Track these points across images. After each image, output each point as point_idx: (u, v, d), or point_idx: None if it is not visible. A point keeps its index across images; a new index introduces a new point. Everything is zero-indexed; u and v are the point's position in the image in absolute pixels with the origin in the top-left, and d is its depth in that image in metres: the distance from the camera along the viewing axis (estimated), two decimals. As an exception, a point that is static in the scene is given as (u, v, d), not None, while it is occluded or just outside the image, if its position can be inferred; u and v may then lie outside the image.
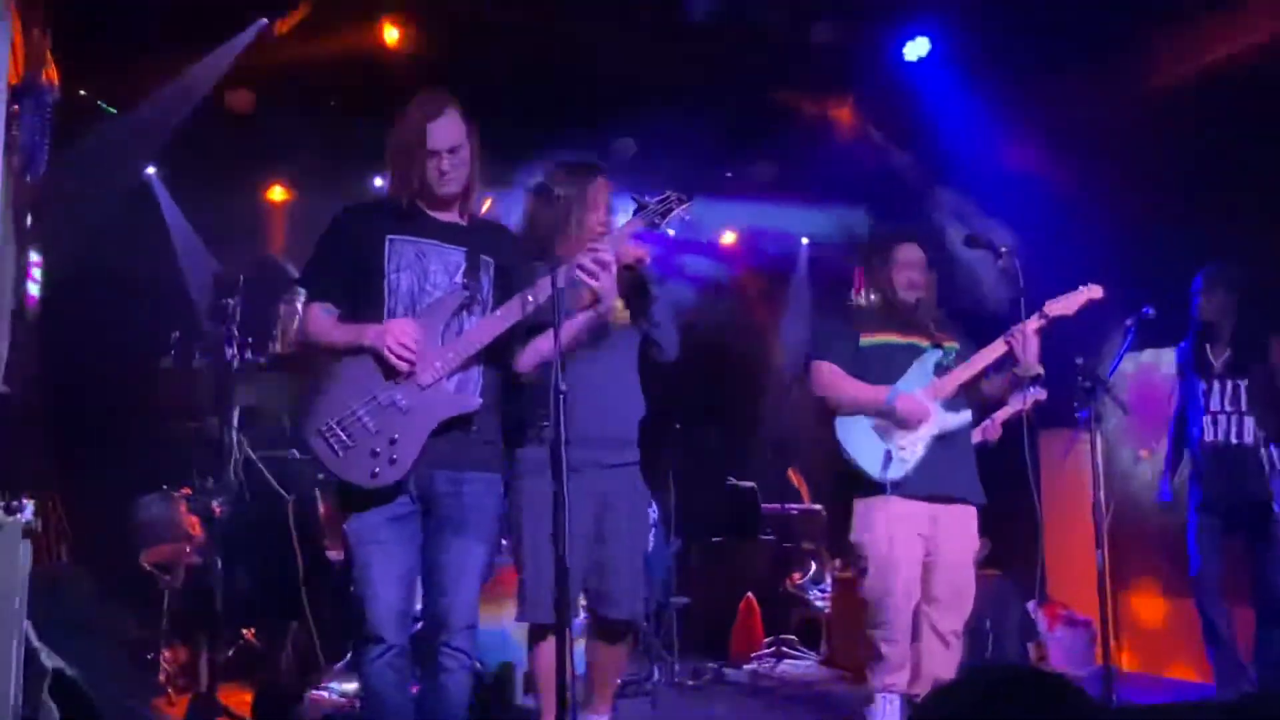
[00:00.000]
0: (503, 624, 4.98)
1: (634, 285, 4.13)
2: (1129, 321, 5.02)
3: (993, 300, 5.46)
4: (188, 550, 5.77)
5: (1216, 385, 5.55)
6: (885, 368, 4.62)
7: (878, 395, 4.57)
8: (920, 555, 4.55)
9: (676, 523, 6.75)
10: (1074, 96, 6.73)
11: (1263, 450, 5.35)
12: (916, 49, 7.07)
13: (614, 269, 3.54)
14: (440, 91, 3.57)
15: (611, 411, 4.11)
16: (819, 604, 7.63)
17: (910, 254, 4.69)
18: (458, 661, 3.45)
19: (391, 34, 6.78)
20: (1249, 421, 5.44)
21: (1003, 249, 4.33)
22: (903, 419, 4.53)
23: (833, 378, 4.66)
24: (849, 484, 4.63)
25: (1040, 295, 4.48)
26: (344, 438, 3.37)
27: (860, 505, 4.63)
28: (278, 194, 8.34)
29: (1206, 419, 5.56)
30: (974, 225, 4.64)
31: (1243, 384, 5.50)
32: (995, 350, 4.54)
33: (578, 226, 4.00)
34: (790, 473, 8.33)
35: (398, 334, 3.40)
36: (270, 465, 5.87)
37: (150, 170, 7.79)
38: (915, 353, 4.65)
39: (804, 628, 7.68)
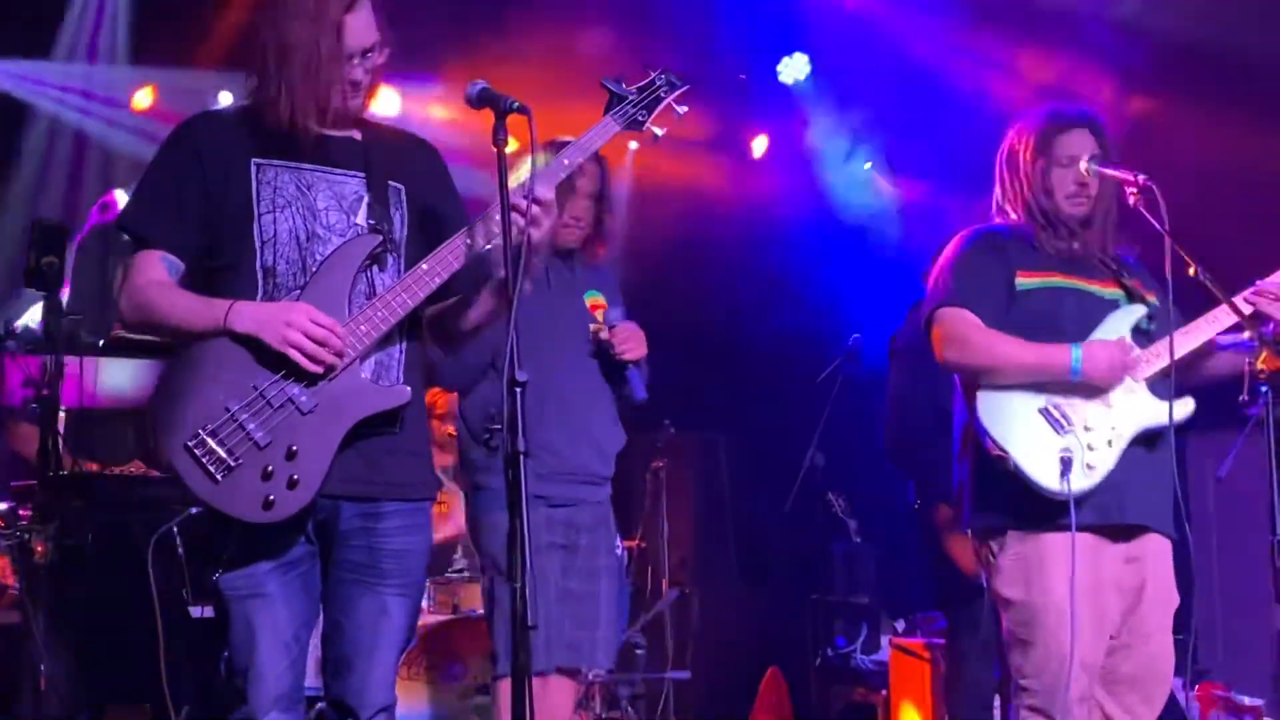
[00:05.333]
0: (432, 704, 5.24)
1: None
2: None
3: None
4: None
5: None
6: (1058, 324, 4.10)
7: (1058, 356, 4.01)
8: (1116, 618, 4.05)
9: (671, 562, 6.65)
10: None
11: None
12: None
13: (555, 209, 3.43)
14: None
15: (588, 437, 4.49)
16: (872, 681, 7.47)
17: (1080, 146, 4.15)
18: None
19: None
20: None
21: (1139, 177, 4.00)
22: (1098, 379, 4.01)
23: (979, 333, 4.10)
24: (989, 499, 4.13)
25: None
26: (222, 454, 3.21)
27: (1019, 541, 4.05)
28: (144, 99, 8.22)
29: None
30: None
31: None
32: (1233, 312, 4.03)
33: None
34: (830, 499, 8.17)
35: (303, 323, 3.23)
36: (114, 487, 5.78)
37: None
38: (1102, 305, 4.16)
39: (851, 712, 7.54)
